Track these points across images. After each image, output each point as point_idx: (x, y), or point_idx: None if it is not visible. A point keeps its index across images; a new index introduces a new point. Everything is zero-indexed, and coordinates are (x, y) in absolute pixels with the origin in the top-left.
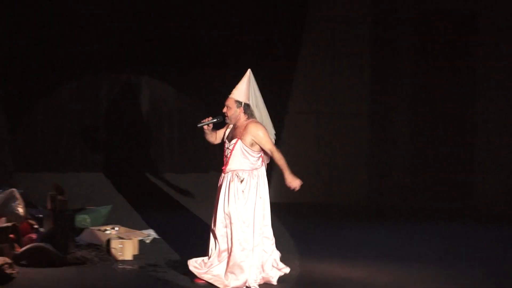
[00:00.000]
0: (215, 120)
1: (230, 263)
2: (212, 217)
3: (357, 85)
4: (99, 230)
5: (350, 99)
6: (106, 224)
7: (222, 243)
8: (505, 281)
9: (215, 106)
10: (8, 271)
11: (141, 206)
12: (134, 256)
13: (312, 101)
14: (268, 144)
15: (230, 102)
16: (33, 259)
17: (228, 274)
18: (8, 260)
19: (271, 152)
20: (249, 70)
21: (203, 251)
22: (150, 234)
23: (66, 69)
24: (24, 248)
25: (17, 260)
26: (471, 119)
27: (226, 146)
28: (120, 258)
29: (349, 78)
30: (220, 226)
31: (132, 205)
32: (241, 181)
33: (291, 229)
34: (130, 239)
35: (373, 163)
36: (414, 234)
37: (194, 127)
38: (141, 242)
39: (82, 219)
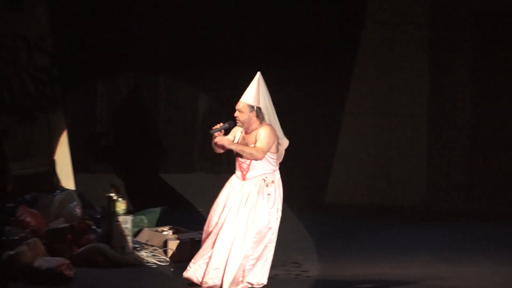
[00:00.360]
0: (226, 125)
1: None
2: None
3: (415, 86)
4: (156, 231)
5: (409, 100)
6: (164, 225)
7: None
8: None
9: None
10: (66, 272)
11: (197, 207)
12: (191, 257)
13: (369, 102)
14: (261, 143)
15: (242, 106)
16: (90, 260)
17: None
18: (65, 261)
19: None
20: (258, 73)
21: None
22: None
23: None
24: (81, 249)
25: (74, 261)
26: None
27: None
28: (177, 258)
29: (408, 79)
30: (225, 237)
31: (189, 206)
32: (267, 185)
33: (350, 230)
34: (187, 239)
35: (432, 164)
36: (476, 235)
37: None
38: (198, 243)
39: (140, 220)
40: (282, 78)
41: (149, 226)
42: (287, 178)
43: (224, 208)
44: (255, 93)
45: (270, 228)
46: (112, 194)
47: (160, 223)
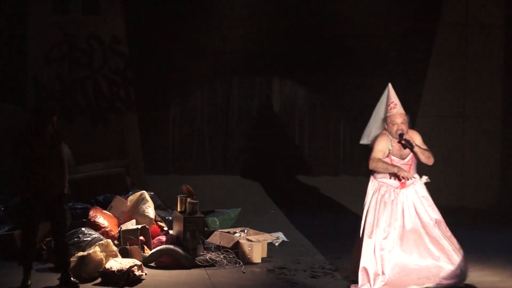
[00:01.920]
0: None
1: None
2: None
3: (489, 87)
4: (228, 232)
5: (483, 102)
6: (235, 226)
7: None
8: None
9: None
10: (137, 273)
11: (271, 209)
12: (263, 259)
13: (444, 105)
14: (426, 147)
15: (404, 118)
16: (162, 261)
17: None
18: (137, 262)
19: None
20: (389, 84)
21: (333, 254)
22: (279, 237)
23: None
24: (153, 250)
25: (146, 262)
26: None
27: (397, 163)
28: (249, 260)
29: (482, 81)
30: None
31: (262, 208)
32: (425, 181)
33: None
34: (259, 241)
35: (506, 167)
36: None
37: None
38: (270, 245)
39: (212, 221)
40: (357, 81)
41: (223, 228)
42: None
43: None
44: (400, 103)
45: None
46: (184, 196)
47: (235, 224)
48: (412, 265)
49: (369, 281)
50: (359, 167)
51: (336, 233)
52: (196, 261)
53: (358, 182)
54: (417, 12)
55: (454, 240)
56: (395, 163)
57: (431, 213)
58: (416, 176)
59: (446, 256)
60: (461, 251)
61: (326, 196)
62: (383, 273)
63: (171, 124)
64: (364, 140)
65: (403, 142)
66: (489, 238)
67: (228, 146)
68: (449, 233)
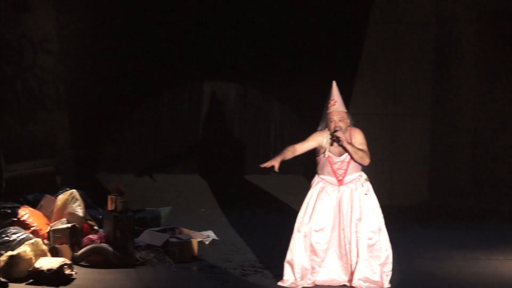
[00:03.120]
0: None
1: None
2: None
3: (419, 86)
4: (159, 231)
5: (412, 100)
6: (166, 225)
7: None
8: None
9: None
10: (67, 272)
11: (200, 207)
12: (193, 258)
13: (373, 103)
14: (364, 147)
15: (344, 114)
16: (92, 260)
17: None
18: (67, 261)
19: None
20: (334, 82)
21: (263, 252)
22: (209, 236)
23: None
24: (83, 249)
25: (76, 261)
26: None
27: (334, 160)
28: (179, 259)
29: (411, 79)
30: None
31: (192, 206)
32: (364, 182)
33: None
34: (189, 240)
35: (435, 164)
36: (476, 235)
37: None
38: (200, 244)
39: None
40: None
41: (153, 226)
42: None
43: (332, 217)
44: (342, 100)
45: (380, 229)
46: (114, 195)
47: (165, 223)
48: (341, 264)
49: (294, 275)
50: (289, 166)
51: (266, 231)
52: (126, 259)
53: (289, 180)
54: (347, 11)
55: (378, 247)
56: (332, 161)
57: (365, 213)
58: (363, 175)
59: (362, 261)
60: (379, 260)
61: (257, 194)
62: (313, 269)
63: (102, 123)
64: None
65: (334, 138)
66: (419, 235)
67: (158, 145)
68: (374, 239)
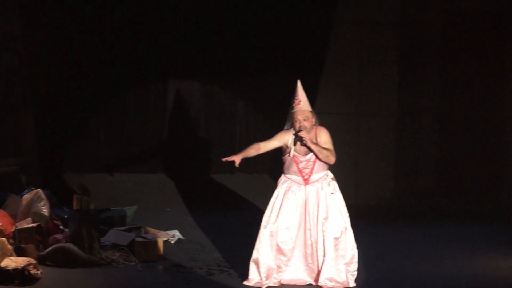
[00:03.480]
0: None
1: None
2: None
3: (384, 86)
4: (124, 230)
5: (377, 100)
6: (131, 224)
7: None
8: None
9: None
10: (33, 271)
11: (166, 207)
12: (159, 257)
13: (338, 102)
14: (329, 146)
15: (307, 115)
16: (57, 259)
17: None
18: (32, 260)
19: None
20: (299, 81)
21: (229, 251)
22: (175, 235)
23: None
24: (49, 249)
25: (41, 260)
26: (498, 121)
27: (300, 160)
28: (144, 259)
29: (377, 79)
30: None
31: (157, 206)
32: (330, 181)
33: None
34: (154, 239)
35: (400, 164)
36: (440, 235)
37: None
38: (166, 243)
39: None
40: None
41: (119, 226)
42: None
43: (298, 216)
44: (307, 99)
45: (346, 228)
46: (80, 194)
47: (131, 222)
48: (307, 263)
49: (259, 274)
50: (254, 165)
51: (232, 230)
52: (91, 259)
53: (254, 179)
54: (313, 10)
55: (344, 246)
56: (297, 160)
57: (331, 212)
58: (329, 174)
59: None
60: (344, 259)
61: (222, 194)
62: (278, 268)
63: (67, 123)
64: None
65: (298, 138)
66: (384, 234)
67: (124, 145)
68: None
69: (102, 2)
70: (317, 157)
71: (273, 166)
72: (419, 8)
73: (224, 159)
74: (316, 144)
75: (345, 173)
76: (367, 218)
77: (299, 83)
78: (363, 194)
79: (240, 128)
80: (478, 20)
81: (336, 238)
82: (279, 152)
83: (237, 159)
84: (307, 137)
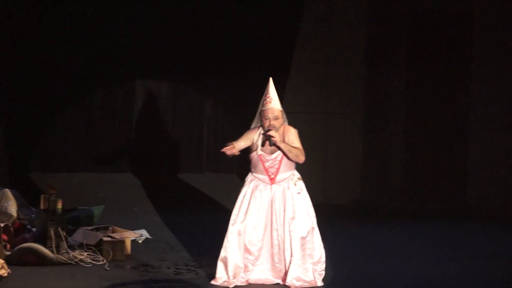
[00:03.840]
0: (264, 137)
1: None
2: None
3: (351, 85)
4: (92, 230)
5: (345, 100)
6: (99, 224)
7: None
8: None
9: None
10: (0, 272)
11: (134, 206)
12: (126, 256)
13: (305, 101)
14: (299, 145)
15: (277, 113)
16: (24, 259)
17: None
18: (0, 260)
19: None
20: (271, 78)
21: (197, 251)
22: (142, 234)
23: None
24: (16, 248)
25: (9, 260)
26: (465, 121)
27: (266, 158)
28: (112, 258)
29: (344, 78)
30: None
31: (125, 205)
32: (297, 181)
33: None
34: (122, 239)
35: (368, 164)
36: (408, 235)
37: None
38: (133, 242)
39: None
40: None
41: (86, 225)
42: None
43: (264, 216)
44: (278, 98)
45: (313, 228)
46: (48, 193)
47: (98, 222)
48: (274, 263)
49: (227, 273)
50: (222, 164)
51: (200, 229)
52: (59, 258)
53: (222, 179)
54: (280, 8)
55: (311, 246)
56: (264, 159)
57: (298, 212)
58: (296, 173)
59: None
60: (311, 258)
61: (190, 193)
62: (246, 268)
63: (34, 122)
64: None
65: (266, 138)
66: (352, 234)
67: (91, 144)
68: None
69: (67, 2)
70: (286, 156)
71: (241, 166)
72: (386, 7)
73: (223, 150)
74: (286, 143)
75: (312, 172)
76: (334, 218)
77: (271, 81)
78: (331, 194)
79: (208, 128)
80: (446, 20)
81: (303, 238)
82: (247, 151)
83: (235, 151)
84: (277, 137)
